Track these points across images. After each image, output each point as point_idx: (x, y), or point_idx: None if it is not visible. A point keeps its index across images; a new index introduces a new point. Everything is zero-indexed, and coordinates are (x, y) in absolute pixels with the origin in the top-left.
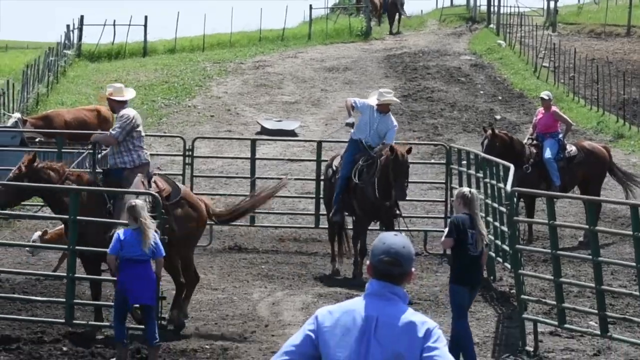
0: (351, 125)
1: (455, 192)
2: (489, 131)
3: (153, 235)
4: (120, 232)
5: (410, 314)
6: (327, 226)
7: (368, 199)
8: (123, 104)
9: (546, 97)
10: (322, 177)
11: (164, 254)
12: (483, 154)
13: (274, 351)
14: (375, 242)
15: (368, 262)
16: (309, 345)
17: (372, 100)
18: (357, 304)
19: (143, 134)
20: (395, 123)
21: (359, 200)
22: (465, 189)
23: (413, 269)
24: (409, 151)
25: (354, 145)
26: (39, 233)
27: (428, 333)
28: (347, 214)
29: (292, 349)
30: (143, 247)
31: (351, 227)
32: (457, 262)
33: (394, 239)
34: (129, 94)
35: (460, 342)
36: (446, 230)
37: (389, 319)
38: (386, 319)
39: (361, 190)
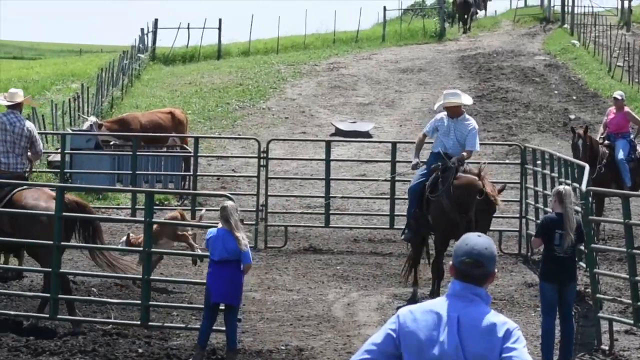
0: (416, 166)
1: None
2: (580, 131)
3: (242, 238)
4: (211, 230)
5: (492, 315)
6: (401, 227)
7: (442, 211)
8: (14, 107)
9: (619, 97)
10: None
11: (250, 261)
12: (558, 154)
13: (350, 352)
14: (457, 242)
15: (451, 263)
16: (390, 344)
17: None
18: (439, 304)
19: (10, 139)
20: (474, 124)
21: (432, 214)
22: (561, 186)
23: (495, 270)
24: (500, 191)
25: (432, 158)
26: (124, 238)
27: (508, 334)
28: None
29: (374, 347)
30: (240, 248)
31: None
32: (543, 260)
33: (477, 240)
34: (17, 98)
35: (542, 336)
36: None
37: (471, 320)
38: (467, 319)
39: (434, 203)
